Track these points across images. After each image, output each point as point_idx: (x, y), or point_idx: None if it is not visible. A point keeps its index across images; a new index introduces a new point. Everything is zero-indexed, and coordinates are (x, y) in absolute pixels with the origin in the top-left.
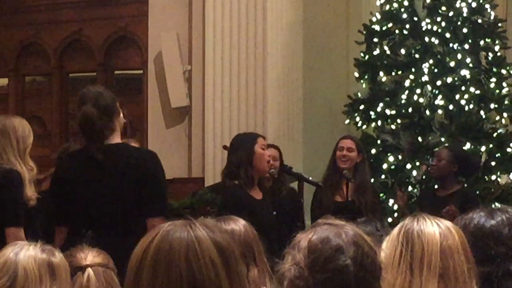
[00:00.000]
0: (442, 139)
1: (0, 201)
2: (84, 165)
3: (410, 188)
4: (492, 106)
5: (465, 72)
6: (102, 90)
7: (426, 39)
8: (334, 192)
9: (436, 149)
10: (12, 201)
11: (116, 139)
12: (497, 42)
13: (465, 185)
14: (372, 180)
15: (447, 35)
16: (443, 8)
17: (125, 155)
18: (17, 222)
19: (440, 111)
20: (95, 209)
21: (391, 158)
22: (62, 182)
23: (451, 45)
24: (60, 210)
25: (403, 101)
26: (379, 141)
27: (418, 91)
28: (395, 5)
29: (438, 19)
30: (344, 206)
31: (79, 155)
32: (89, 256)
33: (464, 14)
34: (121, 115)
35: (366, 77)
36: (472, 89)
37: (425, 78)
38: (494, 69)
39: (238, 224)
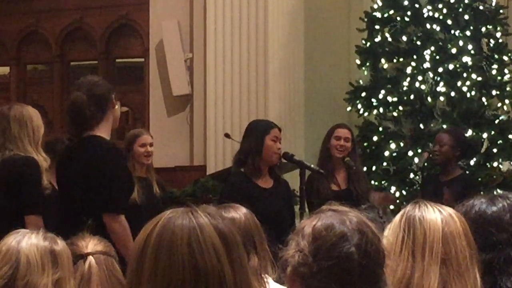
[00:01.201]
0: (444, 126)
1: (20, 189)
2: (64, 158)
3: (412, 175)
4: (493, 92)
5: (466, 59)
6: (98, 80)
7: (428, 26)
8: (329, 181)
9: None
10: (32, 189)
11: (104, 130)
12: (498, 28)
13: (467, 171)
14: (374, 167)
15: (449, 21)
16: None
17: (85, 150)
18: (37, 210)
19: (442, 98)
20: (68, 202)
21: (392, 145)
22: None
23: (452, 31)
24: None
25: (404, 88)
26: (380, 128)
27: (420, 78)
28: None
29: (440, 5)
30: (341, 195)
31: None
32: (90, 244)
33: (466, 1)
34: (117, 107)
35: (367, 64)
36: (473, 76)
37: (426, 65)
38: (496, 56)
39: (239, 212)
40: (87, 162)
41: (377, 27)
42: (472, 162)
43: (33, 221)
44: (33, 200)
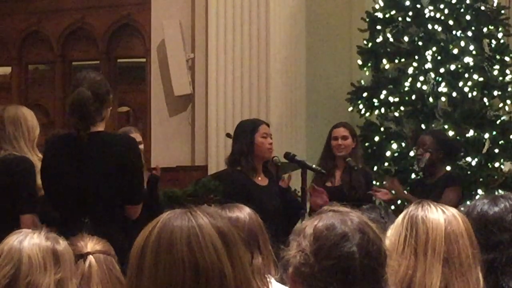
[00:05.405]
0: (446, 127)
1: (15, 188)
2: (67, 153)
3: (413, 176)
4: (495, 93)
5: (468, 59)
6: (100, 78)
7: (429, 26)
8: (327, 179)
9: None
10: (27, 188)
11: (101, 128)
12: (500, 29)
13: (468, 172)
14: (375, 167)
15: (450, 22)
16: None
17: (104, 143)
18: (32, 209)
19: (443, 99)
20: (79, 197)
21: (394, 146)
22: (48, 171)
23: (454, 32)
24: (49, 198)
25: (406, 89)
26: (382, 129)
27: (421, 78)
28: None
29: (441, 6)
30: (332, 191)
31: (63, 141)
32: (90, 244)
33: (467, 1)
34: (110, 108)
35: (369, 64)
36: (475, 76)
37: (428, 65)
38: (497, 56)
39: (243, 212)
40: (113, 155)
41: (378, 27)
42: (473, 163)
43: (28, 220)
44: (28, 199)
